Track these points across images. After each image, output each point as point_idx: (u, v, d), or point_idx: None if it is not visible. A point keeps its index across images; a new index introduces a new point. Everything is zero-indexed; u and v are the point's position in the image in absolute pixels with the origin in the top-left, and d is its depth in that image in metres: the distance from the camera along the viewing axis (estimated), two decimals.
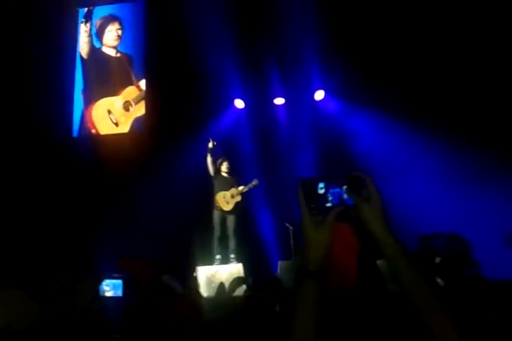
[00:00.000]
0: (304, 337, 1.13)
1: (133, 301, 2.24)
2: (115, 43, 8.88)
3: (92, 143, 8.53)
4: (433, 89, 7.46)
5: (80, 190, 8.03)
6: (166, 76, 8.47)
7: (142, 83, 8.70)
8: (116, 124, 8.56)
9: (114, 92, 8.70)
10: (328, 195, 1.26)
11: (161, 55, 8.53)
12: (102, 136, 8.59)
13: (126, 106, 8.58)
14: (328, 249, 1.25)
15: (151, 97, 8.58)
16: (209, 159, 7.15)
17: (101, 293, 4.85)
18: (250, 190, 7.19)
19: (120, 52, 8.88)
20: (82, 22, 9.00)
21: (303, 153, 7.93)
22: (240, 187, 7.11)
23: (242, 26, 7.95)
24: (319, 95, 8.45)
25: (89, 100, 8.78)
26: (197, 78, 8.18)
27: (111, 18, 9.02)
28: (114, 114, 8.60)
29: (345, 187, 1.25)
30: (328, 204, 1.26)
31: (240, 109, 8.73)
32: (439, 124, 7.21)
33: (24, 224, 7.38)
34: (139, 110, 8.60)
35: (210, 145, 7.14)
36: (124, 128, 8.56)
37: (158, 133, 8.27)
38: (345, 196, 1.25)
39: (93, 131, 8.62)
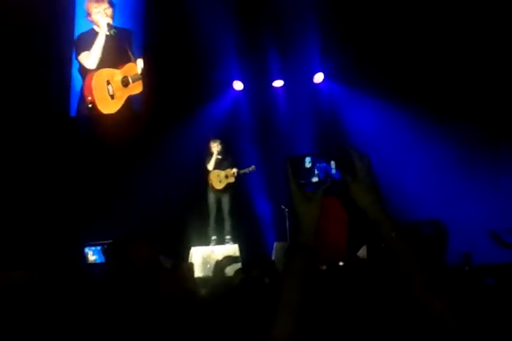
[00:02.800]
0: (290, 308, 1.14)
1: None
2: (105, 23, 8.70)
3: (89, 122, 8.48)
4: (433, 74, 7.45)
5: (75, 170, 8.01)
6: (164, 56, 8.38)
7: (140, 62, 8.59)
8: (112, 97, 8.44)
9: (113, 67, 8.60)
10: (315, 169, 1.26)
11: (160, 36, 8.43)
12: (99, 115, 8.51)
13: (124, 81, 8.48)
14: (318, 222, 1.26)
15: (148, 77, 8.49)
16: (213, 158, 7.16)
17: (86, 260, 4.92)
18: (246, 174, 7.20)
19: (118, 28, 8.73)
20: None
21: (301, 136, 7.92)
22: (235, 170, 7.10)
23: (241, 8, 7.87)
24: (318, 78, 8.40)
25: (89, 70, 8.63)
26: (196, 59, 8.13)
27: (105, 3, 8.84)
28: (112, 86, 8.48)
29: (332, 162, 1.25)
30: (315, 179, 1.27)
31: (239, 91, 8.68)
32: (438, 108, 7.22)
33: (19, 205, 7.40)
34: (136, 88, 8.47)
35: (218, 148, 7.12)
36: (118, 102, 8.42)
37: (156, 114, 8.23)
38: (333, 171, 1.25)
39: (89, 97, 8.50)
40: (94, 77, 8.59)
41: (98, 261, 5.36)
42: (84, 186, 7.86)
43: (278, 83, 8.55)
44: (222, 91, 8.70)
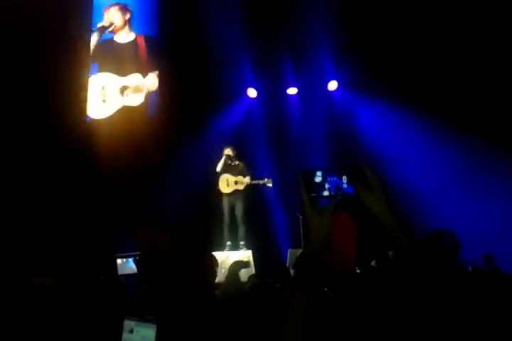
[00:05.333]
0: (298, 316, 1.19)
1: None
2: (121, 31, 8.76)
3: (104, 127, 8.50)
4: (448, 81, 7.46)
5: (91, 176, 8.05)
6: (180, 64, 8.47)
7: (152, 76, 8.58)
8: (104, 101, 8.43)
9: (118, 73, 8.57)
10: (326, 183, 1.32)
11: (175, 44, 8.52)
12: (115, 120, 8.50)
13: (123, 90, 8.50)
14: (328, 235, 1.31)
15: (165, 85, 8.57)
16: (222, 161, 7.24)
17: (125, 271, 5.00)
18: (259, 186, 7.20)
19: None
20: None
21: (315, 143, 7.96)
22: (247, 178, 7.13)
23: (257, 16, 7.94)
24: (332, 85, 8.45)
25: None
26: (210, 66, 8.20)
27: (116, 7, 8.88)
28: (106, 91, 8.43)
29: (344, 176, 1.31)
30: (326, 193, 1.32)
31: (253, 98, 8.76)
32: (451, 116, 7.22)
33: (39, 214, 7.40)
34: (133, 100, 8.42)
35: (228, 153, 7.21)
36: (109, 108, 8.39)
37: (171, 120, 8.31)
38: (344, 185, 1.31)
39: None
40: (90, 79, 8.52)
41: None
42: (97, 194, 7.88)
43: (292, 90, 8.62)
44: (237, 98, 8.79)
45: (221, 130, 8.37)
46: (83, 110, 8.53)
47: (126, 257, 5.09)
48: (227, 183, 7.18)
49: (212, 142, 7.97)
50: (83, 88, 8.58)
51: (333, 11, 7.49)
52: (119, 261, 5.23)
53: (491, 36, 7.11)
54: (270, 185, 7.11)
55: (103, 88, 8.43)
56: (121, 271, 5.15)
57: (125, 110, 8.50)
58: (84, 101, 8.53)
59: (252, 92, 8.72)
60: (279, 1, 7.95)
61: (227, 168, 7.25)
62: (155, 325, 1.71)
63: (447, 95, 7.38)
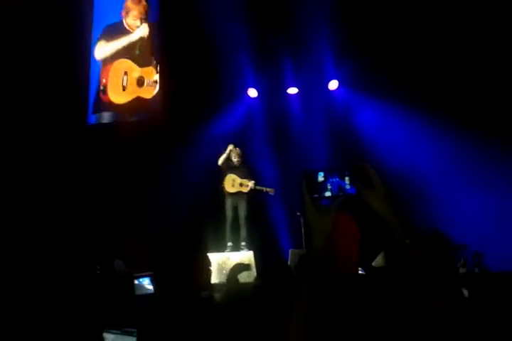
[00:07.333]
0: (300, 317, 1.18)
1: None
2: (137, 23, 8.71)
3: (106, 129, 8.50)
4: (447, 80, 7.42)
5: (94, 177, 8.05)
6: (179, 64, 8.44)
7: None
8: (124, 88, 8.43)
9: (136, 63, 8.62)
10: (328, 184, 1.30)
11: (175, 43, 8.50)
12: (107, 101, 8.48)
13: (140, 81, 8.44)
14: (331, 236, 1.29)
15: (164, 86, 8.54)
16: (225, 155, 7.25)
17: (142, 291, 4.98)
18: (262, 192, 7.25)
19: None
20: None
21: (316, 143, 7.94)
22: (252, 182, 7.14)
23: (256, 15, 7.92)
24: (333, 85, 8.43)
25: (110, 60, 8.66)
26: (210, 66, 8.19)
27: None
28: (128, 79, 8.45)
29: (347, 177, 1.29)
30: (328, 194, 1.30)
31: (253, 98, 8.73)
32: (452, 115, 7.18)
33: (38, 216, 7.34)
34: (148, 93, 8.44)
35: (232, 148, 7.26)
36: (128, 96, 8.42)
37: (172, 121, 8.29)
38: (347, 186, 1.29)
39: (103, 80, 8.48)
40: (114, 63, 8.59)
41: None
42: (98, 193, 7.86)
43: (292, 90, 8.60)
44: (237, 98, 8.76)
45: (222, 129, 8.35)
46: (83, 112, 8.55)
47: (142, 277, 5.08)
48: (233, 183, 7.19)
49: (214, 142, 7.96)
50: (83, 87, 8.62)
51: (333, 9, 7.46)
52: (136, 281, 5.23)
53: (492, 33, 7.08)
54: (272, 193, 7.20)
55: (125, 74, 8.45)
56: (138, 292, 5.14)
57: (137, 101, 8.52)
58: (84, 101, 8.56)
59: (252, 92, 8.69)
60: (279, 0, 7.93)
61: (233, 168, 7.25)
62: (135, 338, 1.69)
63: (448, 91, 7.33)
